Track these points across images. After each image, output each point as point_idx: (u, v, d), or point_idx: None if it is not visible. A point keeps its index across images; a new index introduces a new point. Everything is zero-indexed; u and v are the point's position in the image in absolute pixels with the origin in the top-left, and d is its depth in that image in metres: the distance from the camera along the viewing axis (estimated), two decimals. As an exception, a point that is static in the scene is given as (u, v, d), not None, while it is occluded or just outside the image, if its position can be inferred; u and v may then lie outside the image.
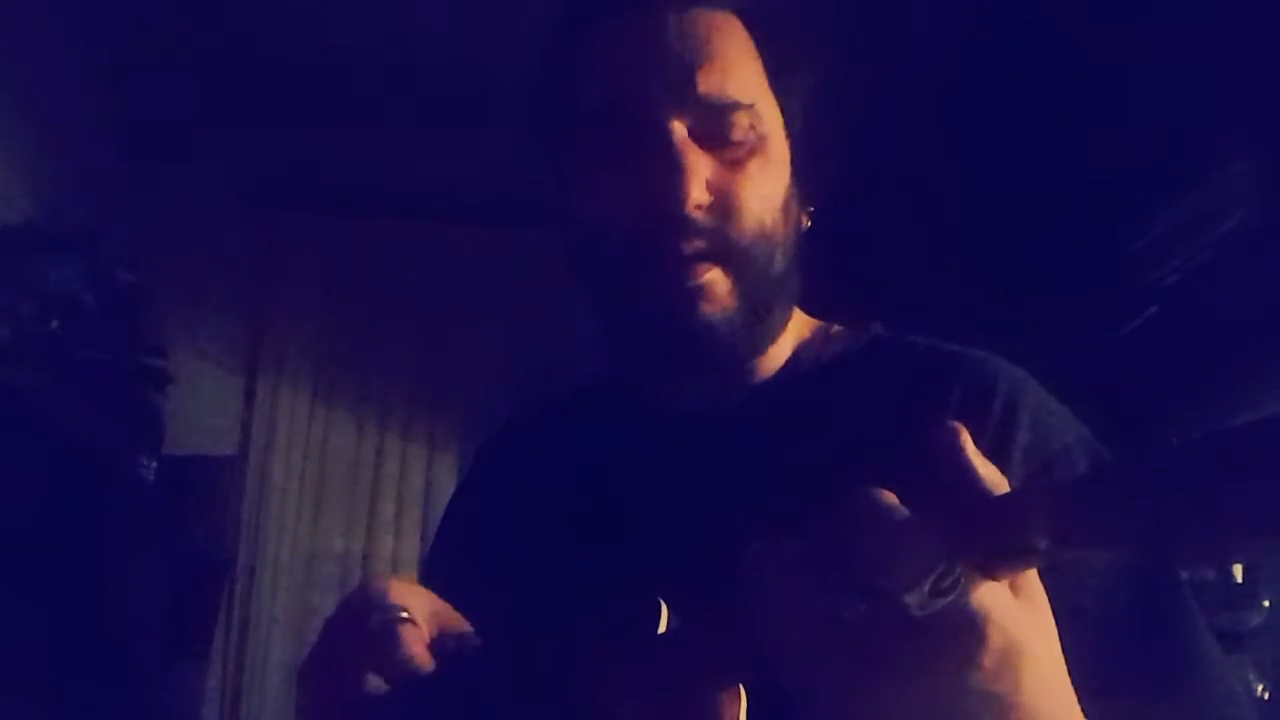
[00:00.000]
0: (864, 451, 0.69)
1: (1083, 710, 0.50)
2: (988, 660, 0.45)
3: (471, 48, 2.48)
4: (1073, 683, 0.50)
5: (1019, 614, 0.46)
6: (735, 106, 0.74)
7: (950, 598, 0.43)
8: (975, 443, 0.70)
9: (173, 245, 2.76)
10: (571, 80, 0.79)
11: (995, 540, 0.44)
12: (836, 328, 0.86)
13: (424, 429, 3.04)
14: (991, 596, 0.45)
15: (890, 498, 0.46)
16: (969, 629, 0.44)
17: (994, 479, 0.48)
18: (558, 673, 0.56)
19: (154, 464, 2.62)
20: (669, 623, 0.53)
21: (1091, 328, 1.84)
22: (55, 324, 2.20)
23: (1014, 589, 0.47)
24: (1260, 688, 1.62)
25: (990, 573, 0.45)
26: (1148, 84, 1.71)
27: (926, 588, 0.43)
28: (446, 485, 2.97)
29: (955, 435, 0.49)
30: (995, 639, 0.44)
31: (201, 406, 2.88)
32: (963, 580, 0.43)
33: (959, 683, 0.45)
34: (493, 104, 2.25)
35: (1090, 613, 0.64)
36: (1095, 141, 1.81)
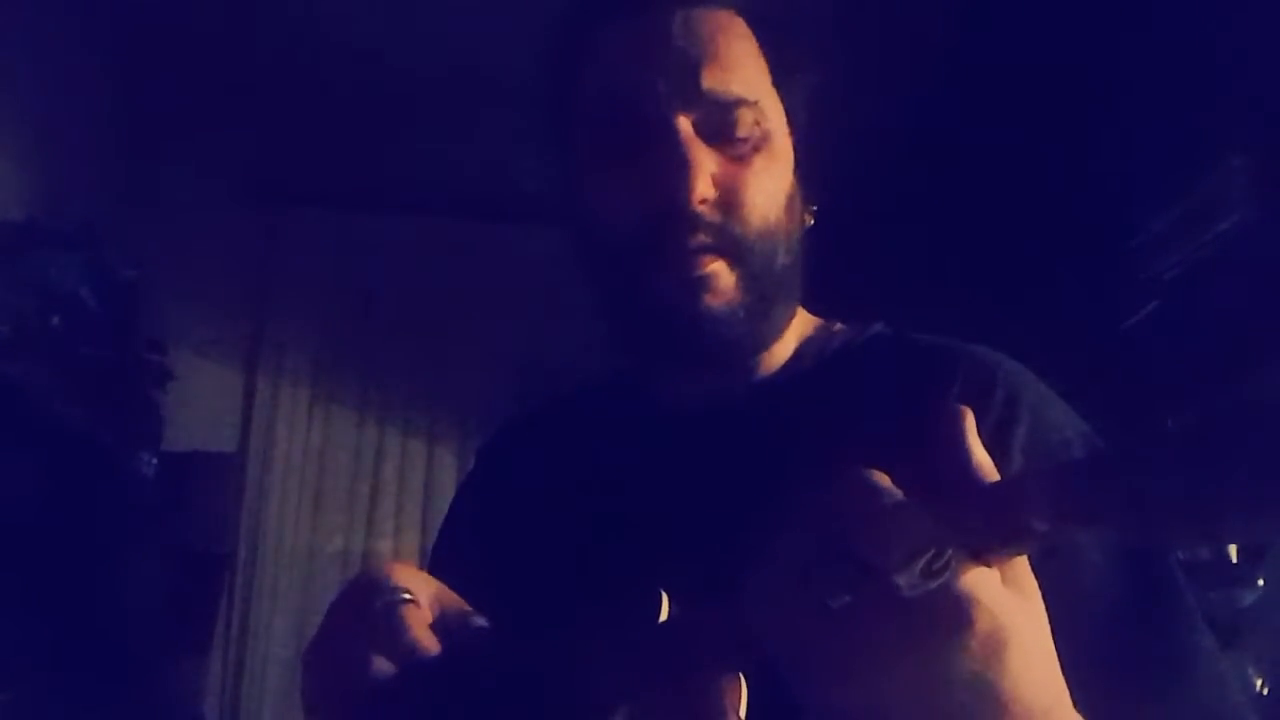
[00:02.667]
0: (866, 446, 0.70)
1: (1076, 700, 0.50)
2: (974, 644, 0.45)
3: (473, 45, 2.48)
4: (1066, 672, 0.50)
5: (1007, 599, 0.46)
6: (740, 103, 0.75)
7: (940, 580, 0.43)
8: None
9: (173, 242, 2.76)
10: (577, 78, 0.80)
11: (988, 525, 0.44)
12: (839, 325, 0.86)
13: (424, 426, 3.04)
14: (980, 581, 0.45)
15: (884, 479, 0.47)
16: (956, 612, 0.45)
17: (988, 467, 0.48)
18: (560, 662, 0.56)
19: (154, 460, 2.63)
20: (670, 612, 0.54)
21: (1092, 322, 1.85)
22: (56, 320, 2.21)
23: (1004, 576, 0.47)
24: (1259, 682, 1.62)
25: (982, 558, 0.45)
26: (1147, 81, 1.72)
27: (917, 569, 0.43)
28: (446, 482, 2.98)
29: (959, 417, 0.49)
30: (982, 623, 0.45)
31: (201, 403, 2.89)
32: (953, 563, 0.44)
33: (945, 666, 0.45)
34: (494, 101, 2.25)
35: (1084, 602, 0.64)
36: (1095, 138, 1.81)
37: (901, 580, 0.43)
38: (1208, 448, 0.36)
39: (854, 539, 0.45)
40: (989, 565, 0.46)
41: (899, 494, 0.46)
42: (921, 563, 0.43)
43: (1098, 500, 0.40)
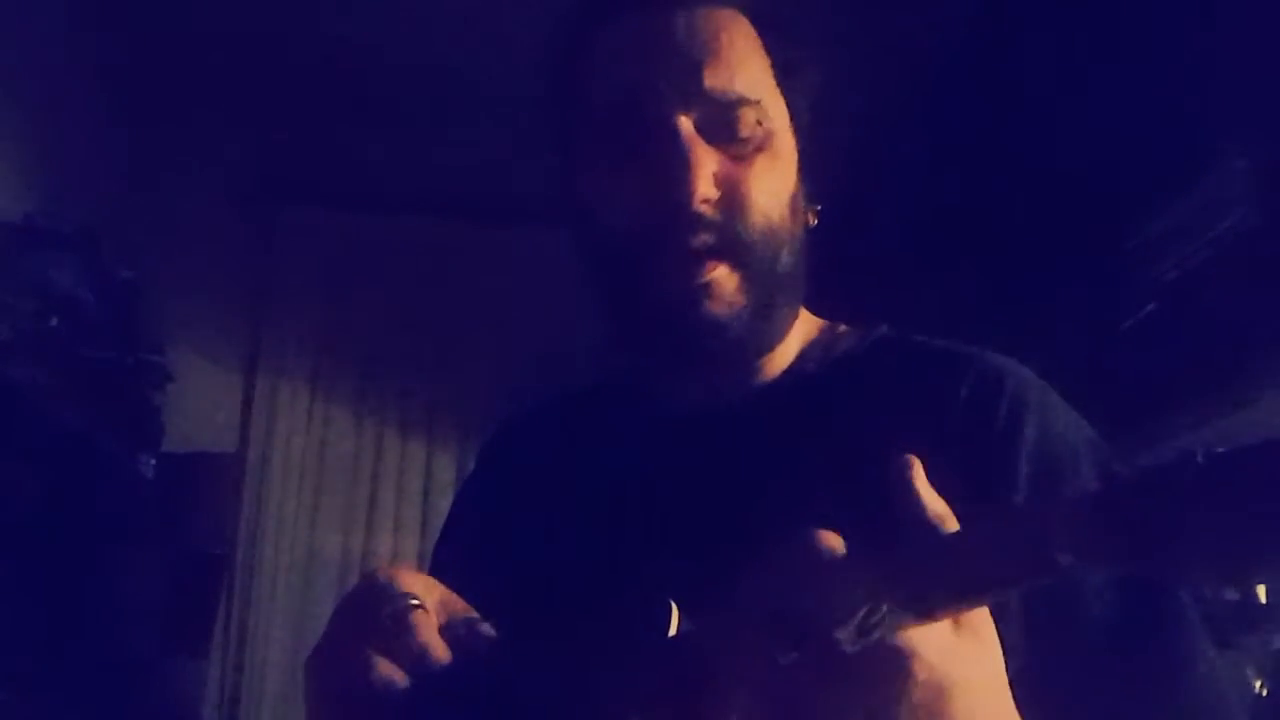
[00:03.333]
0: (869, 451, 0.69)
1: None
2: (916, 694, 0.46)
3: (472, 45, 2.48)
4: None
5: (951, 647, 0.47)
6: (742, 102, 0.75)
7: (877, 634, 0.45)
8: (981, 443, 0.71)
9: (172, 243, 2.76)
10: (580, 77, 0.79)
11: (932, 583, 0.45)
12: (843, 328, 0.86)
13: (423, 426, 3.04)
14: (920, 633, 0.46)
15: (829, 539, 0.48)
16: (894, 665, 0.46)
17: (940, 513, 0.49)
18: (567, 668, 0.56)
19: (153, 461, 2.62)
20: (679, 623, 0.53)
21: (1090, 324, 1.85)
22: (55, 321, 2.20)
23: (957, 620, 0.48)
24: (1259, 684, 1.61)
25: (929, 615, 0.46)
26: (1146, 82, 1.72)
27: (854, 625, 0.44)
28: (445, 482, 2.97)
29: (906, 468, 0.50)
30: (921, 673, 0.46)
31: (200, 404, 2.88)
32: (888, 619, 0.45)
33: (888, 716, 0.46)
34: (493, 101, 2.25)
35: (1081, 615, 0.64)
36: (1095, 139, 1.81)
37: (842, 636, 0.45)
38: (1236, 482, 0.35)
39: (795, 598, 0.46)
40: (935, 620, 0.47)
41: (841, 552, 0.47)
42: (858, 619, 0.44)
43: (1114, 541, 0.39)
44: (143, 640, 2.48)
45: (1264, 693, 1.64)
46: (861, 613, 0.44)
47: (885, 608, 0.45)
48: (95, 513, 2.30)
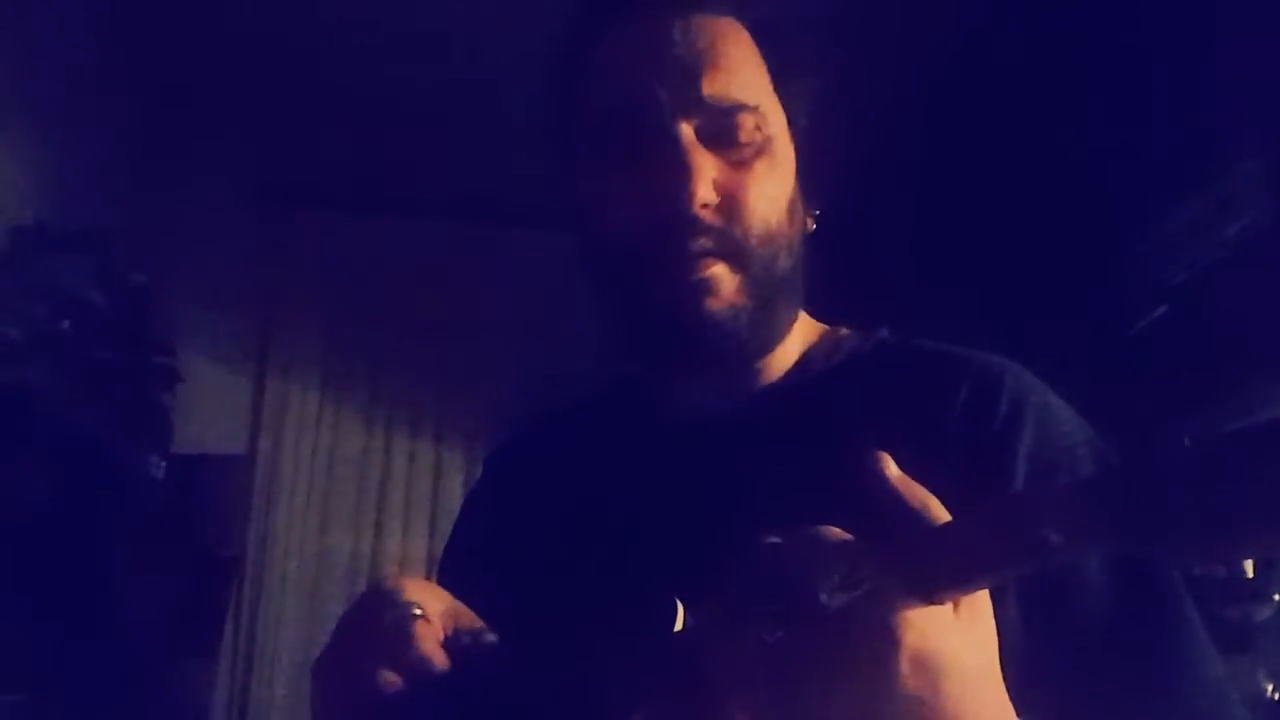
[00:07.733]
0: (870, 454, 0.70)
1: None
2: (904, 665, 0.46)
3: (477, 49, 2.49)
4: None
5: (943, 624, 0.48)
6: (741, 108, 0.75)
7: (860, 590, 0.46)
8: (981, 444, 0.71)
9: (182, 245, 2.77)
10: (579, 84, 0.80)
11: (922, 569, 0.46)
12: (844, 331, 0.87)
13: (432, 428, 3.05)
14: (916, 610, 0.47)
15: (836, 532, 0.48)
16: (883, 633, 0.46)
17: (921, 501, 0.50)
18: (574, 671, 0.57)
19: (163, 463, 2.63)
20: (684, 621, 0.54)
21: (1100, 327, 1.84)
22: (66, 324, 2.21)
23: (955, 603, 0.48)
24: (1270, 688, 1.61)
25: (926, 598, 0.47)
26: (1157, 83, 1.71)
27: (836, 581, 0.45)
28: (454, 484, 2.98)
29: (878, 464, 0.51)
30: (910, 643, 0.46)
31: (210, 406, 2.90)
32: (872, 579, 0.46)
33: (877, 688, 0.46)
34: (501, 105, 2.26)
35: (1080, 611, 0.64)
36: (1104, 141, 1.81)
37: (824, 595, 0.45)
38: (1227, 464, 0.36)
39: (787, 568, 0.47)
40: (939, 603, 0.47)
41: (846, 539, 0.48)
42: (839, 576, 0.45)
43: (1105, 523, 0.40)
44: (152, 642, 2.49)
45: (1276, 696, 1.63)
46: (844, 571, 0.45)
47: (869, 569, 0.45)
48: (105, 514, 2.31)
